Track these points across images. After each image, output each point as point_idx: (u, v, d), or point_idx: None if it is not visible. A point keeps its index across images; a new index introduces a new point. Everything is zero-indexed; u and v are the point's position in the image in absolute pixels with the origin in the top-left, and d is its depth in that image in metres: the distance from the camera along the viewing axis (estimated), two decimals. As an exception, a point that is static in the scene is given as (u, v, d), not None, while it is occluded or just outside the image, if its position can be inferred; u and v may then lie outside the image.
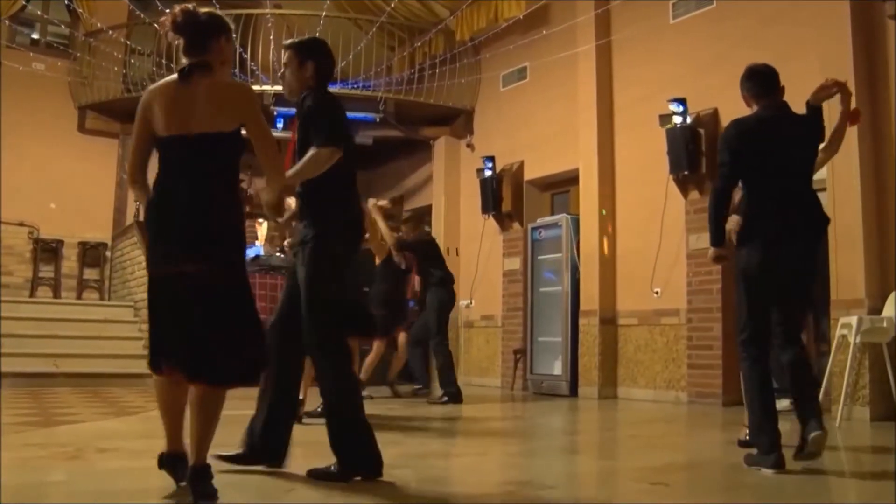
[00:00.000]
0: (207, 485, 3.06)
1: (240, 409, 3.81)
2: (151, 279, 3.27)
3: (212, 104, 3.13)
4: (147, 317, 3.33)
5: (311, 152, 3.66)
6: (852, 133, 6.69)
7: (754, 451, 4.02)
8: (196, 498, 3.02)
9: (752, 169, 4.17)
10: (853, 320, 6.25)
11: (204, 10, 3.28)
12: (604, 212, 9.09)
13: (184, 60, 3.21)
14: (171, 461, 3.27)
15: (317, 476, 3.55)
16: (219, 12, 3.37)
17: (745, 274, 4.14)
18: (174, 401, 3.27)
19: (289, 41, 4.01)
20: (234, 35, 11.47)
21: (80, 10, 12.12)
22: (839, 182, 6.76)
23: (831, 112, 4.70)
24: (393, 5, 10.89)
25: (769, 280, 4.07)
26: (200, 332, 3.09)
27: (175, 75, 3.20)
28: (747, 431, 4.44)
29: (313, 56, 3.88)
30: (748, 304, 4.13)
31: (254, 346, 3.22)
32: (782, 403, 6.20)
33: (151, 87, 3.26)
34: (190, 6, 3.26)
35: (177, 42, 3.23)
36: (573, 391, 9.11)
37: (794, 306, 4.16)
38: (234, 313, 3.17)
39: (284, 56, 3.93)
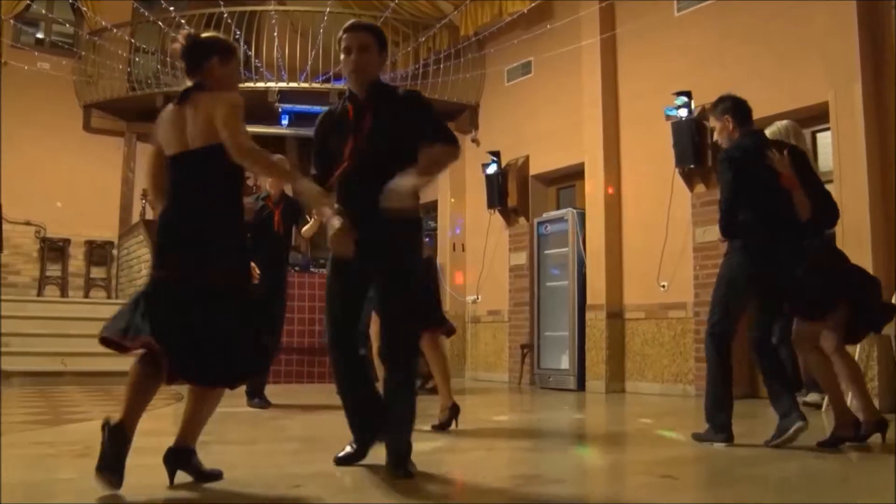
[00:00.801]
0: (186, 466, 3.31)
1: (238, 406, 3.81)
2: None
3: (201, 119, 3.25)
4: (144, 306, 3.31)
5: (444, 147, 3.62)
6: (859, 128, 6.71)
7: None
8: (171, 479, 3.29)
9: (745, 190, 4.54)
10: (861, 312, 6.22)
11: (207, 34, 3.46)
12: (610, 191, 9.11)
13: (187, 83, 3.38)
14: (119, 433, 3.11)
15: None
16: (220, 36, 3.49)
17: (732, 280, 4.57)
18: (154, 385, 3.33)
19: (365, 23, 3.89)
20: (238, 34, 11.46)
21: (85, 9, 12.14)
22: (846, 177, 6.74)
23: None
24: (397, 1, 10.87)
25: (752, 288, 4.54)
26: (201, 335, 3.18)
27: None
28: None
29: (387, 48, 3.86)
30: (729, 304, 4.60)
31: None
32: (813, 397, 6.26)
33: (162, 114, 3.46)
34: (191, 31, 3.47)
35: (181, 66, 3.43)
36: (580, 385, 9.11)
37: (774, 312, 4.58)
38: (228, 317, 3.25)
39: (360, 37, 3.69)
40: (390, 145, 3.58)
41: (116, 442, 3.05)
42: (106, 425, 3.10)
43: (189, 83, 3.38)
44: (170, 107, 3.40)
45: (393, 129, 3.62)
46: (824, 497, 3.29)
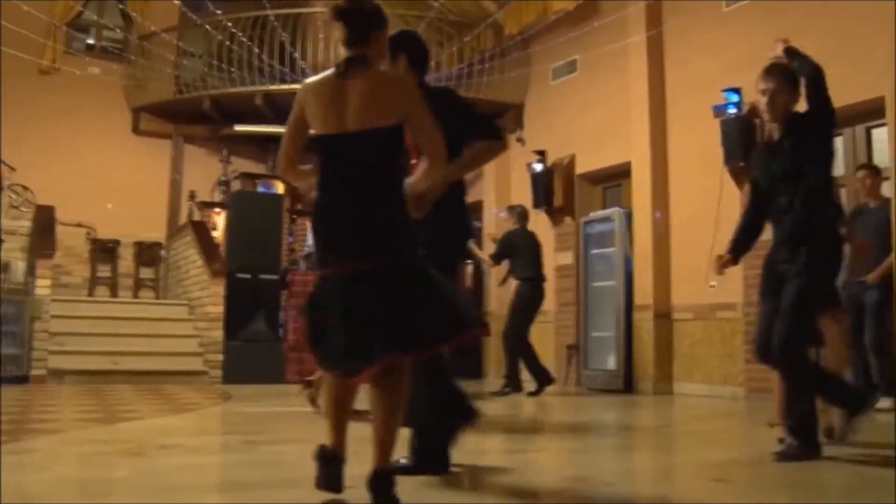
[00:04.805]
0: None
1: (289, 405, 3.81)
2: (322, 278, 3.03)
3: (369, 99, 2.94)
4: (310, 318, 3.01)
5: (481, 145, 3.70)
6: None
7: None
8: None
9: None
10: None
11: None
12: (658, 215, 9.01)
13: (342, 52, 3.02)
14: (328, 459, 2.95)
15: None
16: (378, 5, 3.15)
17: None
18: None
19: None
20: (285, 36, 11.54)
21: (134, 14, 12.34)
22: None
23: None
24: (441, 0, 10.88)
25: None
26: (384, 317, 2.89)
27: (331, 71, 3.02)
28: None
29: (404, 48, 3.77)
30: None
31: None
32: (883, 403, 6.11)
33: (307, 81, 3.10)
34: None
35: (338, 32, 3.02)
36: (627, 386, 9.01)
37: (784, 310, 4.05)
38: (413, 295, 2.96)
39: None
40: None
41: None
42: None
43: (345, 51, 2.99)
44: (325, 78, 3.02)
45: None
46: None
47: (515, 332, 8.58)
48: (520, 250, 8.73)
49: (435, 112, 3.17)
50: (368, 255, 2.89)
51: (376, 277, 2.86)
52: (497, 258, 8.89)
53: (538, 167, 10.64)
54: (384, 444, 2.83)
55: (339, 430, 2.96)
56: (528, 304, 8.61)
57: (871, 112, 6.98)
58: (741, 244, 4.39)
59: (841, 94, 6.88)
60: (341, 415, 2.98)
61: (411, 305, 2.88)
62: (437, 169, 3.07)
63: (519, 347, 8.60)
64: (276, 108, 11.49)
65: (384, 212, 2.94)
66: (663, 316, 8.88)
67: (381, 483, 2.77)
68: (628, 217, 9.32)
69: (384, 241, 2.92)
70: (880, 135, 7.14)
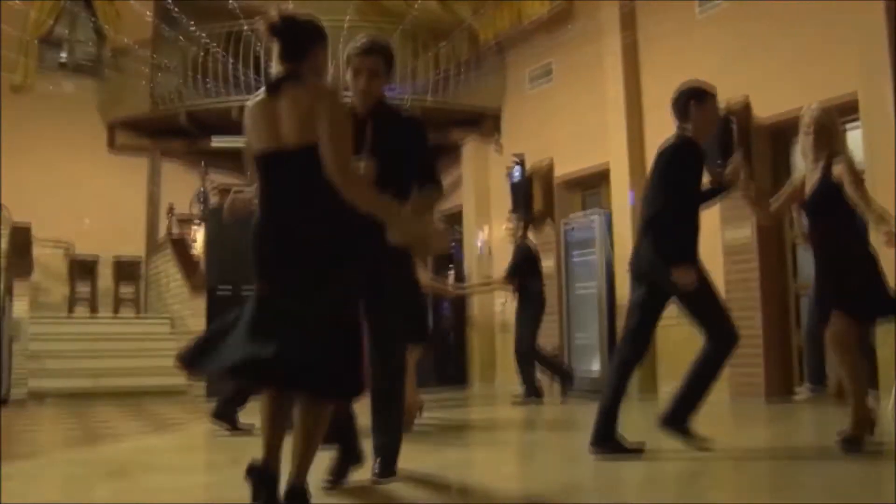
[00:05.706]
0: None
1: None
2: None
3: (297, 114, 2.87)
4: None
5: (436, 193, 3.73)
6: (889, 121, 6.60)
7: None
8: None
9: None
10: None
11: (303, 13, 3.02)
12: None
13: (274, 68, 3.00)
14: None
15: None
16: (316, 19, 3.06)
17: None
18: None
19: (377, 44, 3.70)
20: (259, 47, 11.40)
21: (106, 28, 12.26)
22: (877, 171, 6.64)
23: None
24: (417, 6, 10.87)
25: None
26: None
27: (263, 89, 2.99)
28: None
29: (392, 65, 3.71)
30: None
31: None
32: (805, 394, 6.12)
33: (248, 103, 3.06)
34: (290, 7, 3.04)
35: (272, 45, 2.99)
36: (612, 390, 8.99)
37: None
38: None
39: (371, 62, 3.60)
40: (388, 161, 3.47)
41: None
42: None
43: (279, 67, 2.97)
44: (258, 97, 3.01)
45: (392, 146, 3.57)
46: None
47: (528, 342, 8.60)
48: (532, 262, 8.73)
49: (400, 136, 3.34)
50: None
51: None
52: (515, 273, 8.65)
53: (517, 172, 10.63)
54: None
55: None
56: (535, 315, 8.62)
57: (845, 111, 7.01)
58: None
59: (816, 94, 6.94)
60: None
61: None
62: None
63: (533, 356, 8.62)
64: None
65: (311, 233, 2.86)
66: (646, 319, 8.85)
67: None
68: (609, 220, 9.33)
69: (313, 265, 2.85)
70: (854, 133, 7.17)
